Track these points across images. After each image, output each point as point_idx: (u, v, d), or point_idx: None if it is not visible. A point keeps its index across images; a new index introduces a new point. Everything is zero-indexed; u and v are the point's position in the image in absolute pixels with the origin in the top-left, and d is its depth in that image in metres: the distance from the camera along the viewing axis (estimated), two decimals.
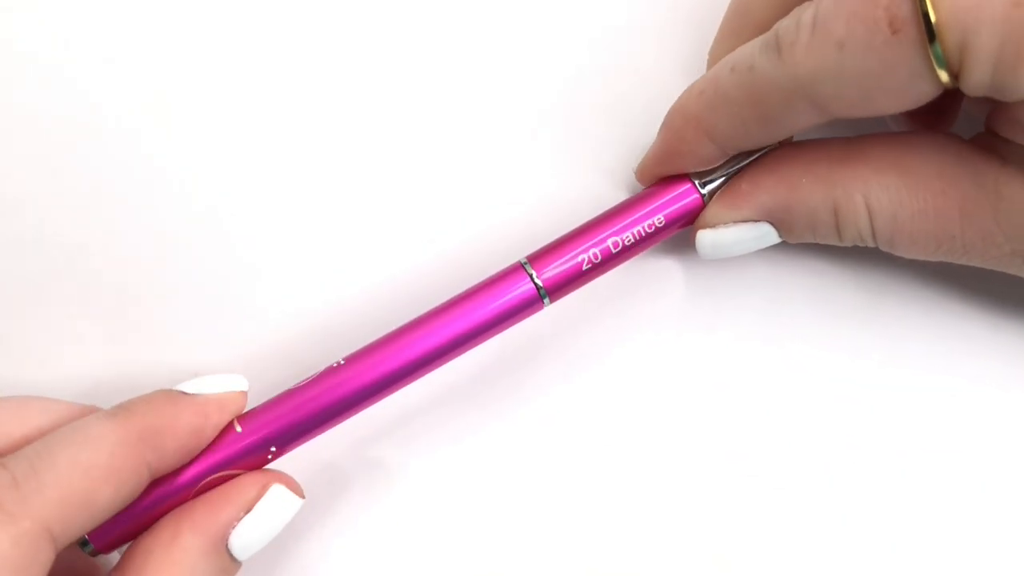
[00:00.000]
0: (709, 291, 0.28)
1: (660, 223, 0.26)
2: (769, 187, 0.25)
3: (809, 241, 0.26)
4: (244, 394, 0.24)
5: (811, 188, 0.24)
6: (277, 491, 0.23)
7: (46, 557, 0.20)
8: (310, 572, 0.26)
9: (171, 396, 0.23)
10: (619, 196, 0.27)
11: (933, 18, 0.19)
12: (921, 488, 0.27)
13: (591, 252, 0.25)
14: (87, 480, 0.20)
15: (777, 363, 0.28)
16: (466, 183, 0.29)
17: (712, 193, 0.26)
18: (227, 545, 0.22)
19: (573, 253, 0.25)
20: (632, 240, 0.25)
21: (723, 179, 0.26)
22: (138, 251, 0.28)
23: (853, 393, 0.28)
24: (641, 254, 0.27)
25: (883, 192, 0.24)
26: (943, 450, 0.27)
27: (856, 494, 0.27)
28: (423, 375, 0.25)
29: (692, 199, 0.26)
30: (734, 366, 0.28)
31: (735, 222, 0.25)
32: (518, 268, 0.25)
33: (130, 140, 0.29)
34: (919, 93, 0.21)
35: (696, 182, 0.26)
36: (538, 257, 0.25)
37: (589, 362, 0.28)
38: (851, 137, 0.25)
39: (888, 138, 0.25)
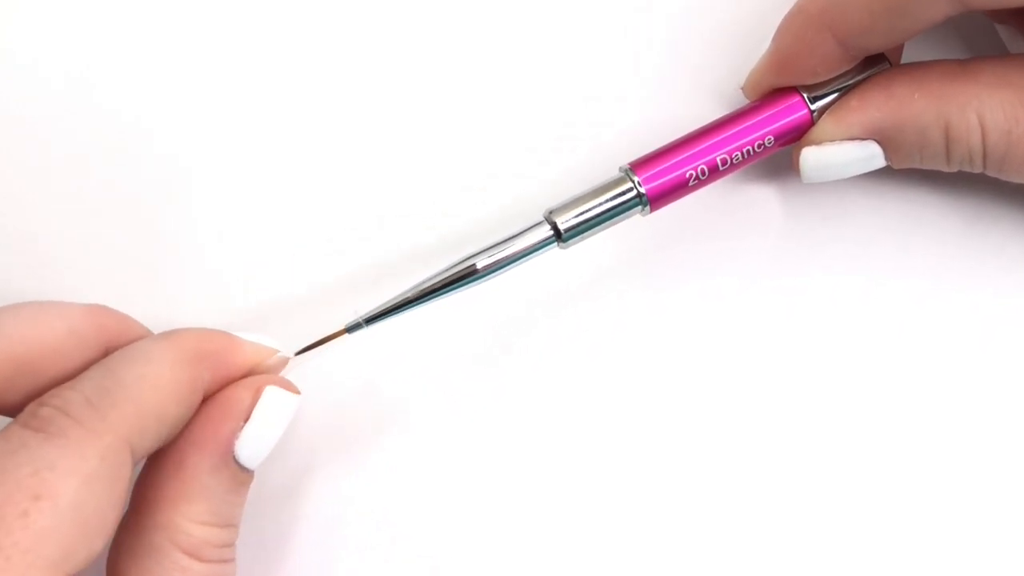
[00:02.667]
0: (805, 219, 0.28)
1: (769, 143, 0.25)
2: (880, 103, 0.25)
3: (915, 165, 0.26)
4: (287, 360, 0.24)
5: (923, 104, 0.24)
6: (271, 393, 0.23)
7: (128, 471, 0.20)
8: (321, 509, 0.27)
9: (224, 332, 0.24)
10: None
11: None
12: None
13: (699, 167, 0.25)
14: (157, 394, 0.21)
15: (877, 295, 0.28)
16: (566, 105, 0.29)
17: (821, 111, 0.25)
18: (235, 457, 0.22)
19: (677, 162, 0.25)
20: (740, 158, 0.25)
21: (833, 96, 0.25)
22: (135, 247, 0.28)
23: (957, 328, 0.27)
24: (740, 173, 0.27)
25: (998, 108, 0.24)
26: None
27: (970, 424, 0.27)
28: None
29: (801, 115, 0.25)
30: (829, 298, 0.28)
31: (842, 139, 0.25)
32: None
33: (132, 138, 0.28)
34: None
35: (805, 96, 0.26)
36: (641, 164, 0.25)
37: (679, 288, 0.28)
38: (964, 59, 0.25)
39: (1003, 59, 0.25)
